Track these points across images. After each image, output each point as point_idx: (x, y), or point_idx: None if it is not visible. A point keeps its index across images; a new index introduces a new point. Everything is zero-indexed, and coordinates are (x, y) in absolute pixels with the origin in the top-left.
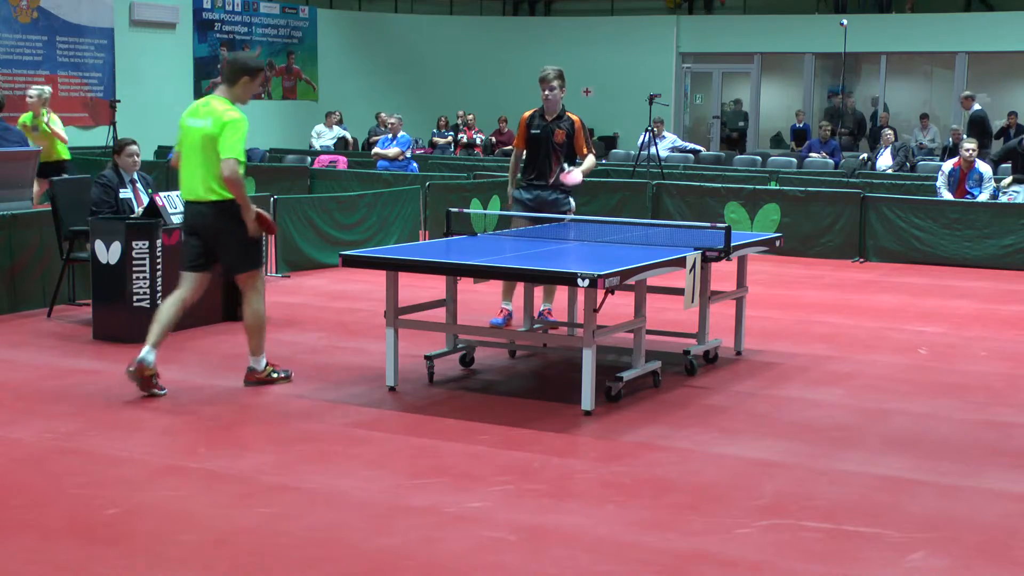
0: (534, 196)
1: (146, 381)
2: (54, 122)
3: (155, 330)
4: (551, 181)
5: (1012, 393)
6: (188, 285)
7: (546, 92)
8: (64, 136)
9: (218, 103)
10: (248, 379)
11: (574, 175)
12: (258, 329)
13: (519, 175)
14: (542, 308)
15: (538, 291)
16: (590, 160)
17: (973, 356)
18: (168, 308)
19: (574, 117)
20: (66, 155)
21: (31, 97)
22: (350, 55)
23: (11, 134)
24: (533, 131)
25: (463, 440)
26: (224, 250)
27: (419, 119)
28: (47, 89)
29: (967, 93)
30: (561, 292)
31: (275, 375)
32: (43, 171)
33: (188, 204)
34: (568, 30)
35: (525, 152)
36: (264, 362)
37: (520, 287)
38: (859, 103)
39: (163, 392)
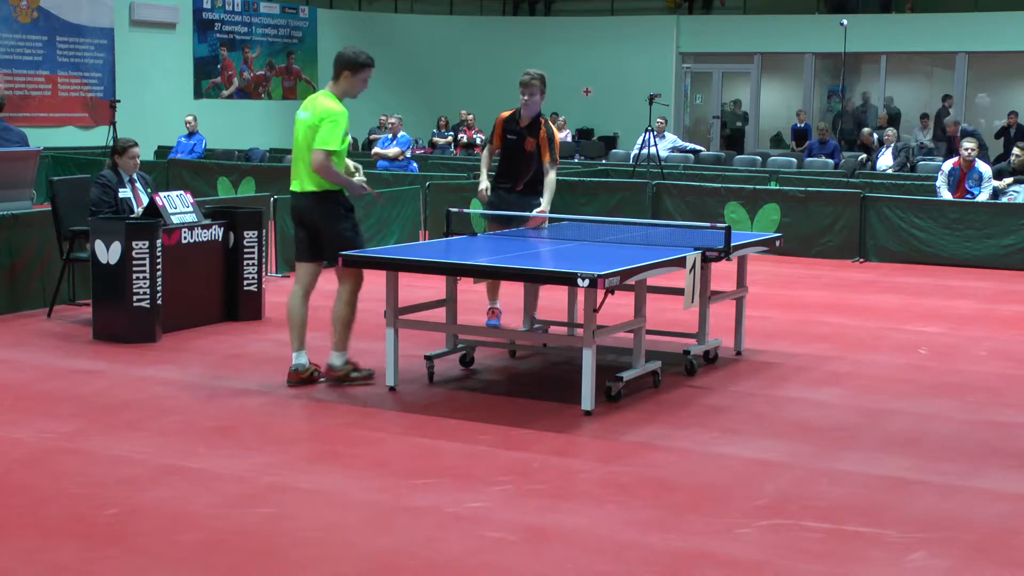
0: (499, 199)
1: (310, 379)
2: None
3: (295, 334)
4: (520, 187)
5: (1012, 393)
6: (304, 276)
7: (525, 97)
8: None
9: (323, 97)
10: (326, 375)
11: (539, 218)
12: (345, 323)
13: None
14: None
15: (519, 291)
16: (551, 179)
17: (973, 356)
18: (296, 307)
19: (550, 125)
20: None
21: None
22: None
23: (11, 134)
24: (509, 136)
25: (463, 440)
26: (326, 240)
27: (419, 119)
28: None
29: (952, 119)
30: (561, 292)
31: (355, 375)
32: None
33: (293, 195)
34: (568, 30)
35: (499, 153)
36: (345, 359)
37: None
38: (860, 102)
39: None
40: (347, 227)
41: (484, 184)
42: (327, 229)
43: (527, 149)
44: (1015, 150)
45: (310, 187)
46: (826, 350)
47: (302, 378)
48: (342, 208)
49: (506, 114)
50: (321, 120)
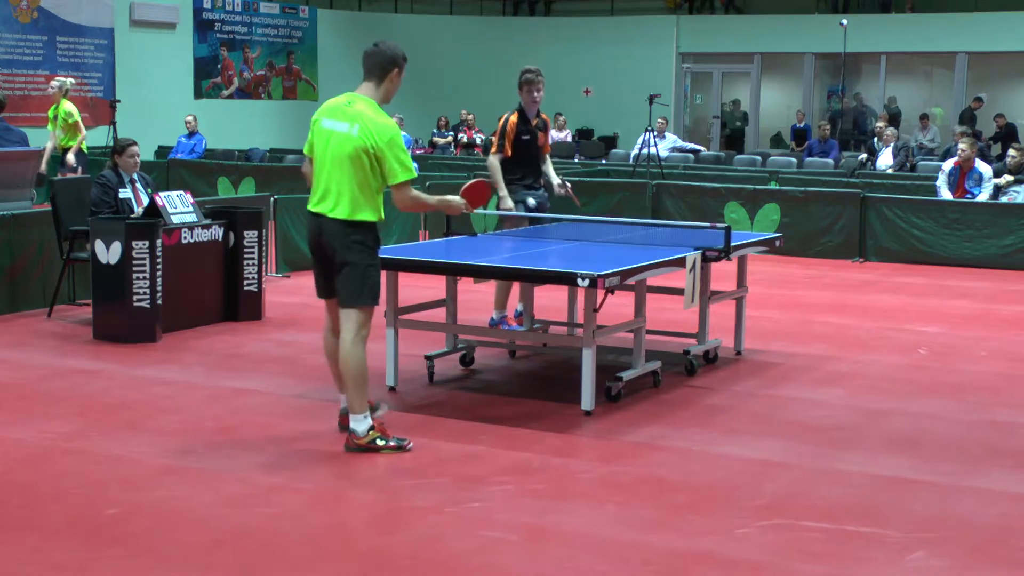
0: (539, 201)
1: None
2: (64, 112)
3: (336, 376)
4: (541, 182)
5: (1012, 393)
6: (330, 312)
7: (535, 95)
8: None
9: (369, 109)
10: (347, 443)
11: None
12: (357, 378)
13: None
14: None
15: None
16: (550, 163)
17: (973, 356)
18: (329, 350)
19: (544, 115)
20: (68, 143)
21: (52, 88)
22: (350, 55)
23: (11, 134)
24: (524, 137)
25: (463, 440)
26: (341, 272)
27: (419, 119)
28: (68, 81)
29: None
30: (561, 292)
31: (380, 442)
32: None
33: (314, 216)
34: (568, 30)
35: (511, 157)
36: (368, 424)
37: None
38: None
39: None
40: (368, 263)
41: (511, 201)
42: (346, 261)
43: (540, 143)
44: (1010, 151)
45: (342, 213)
46: (826, 350)
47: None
48: (371, 242)
49: (513, 117)
50: (385, 144)
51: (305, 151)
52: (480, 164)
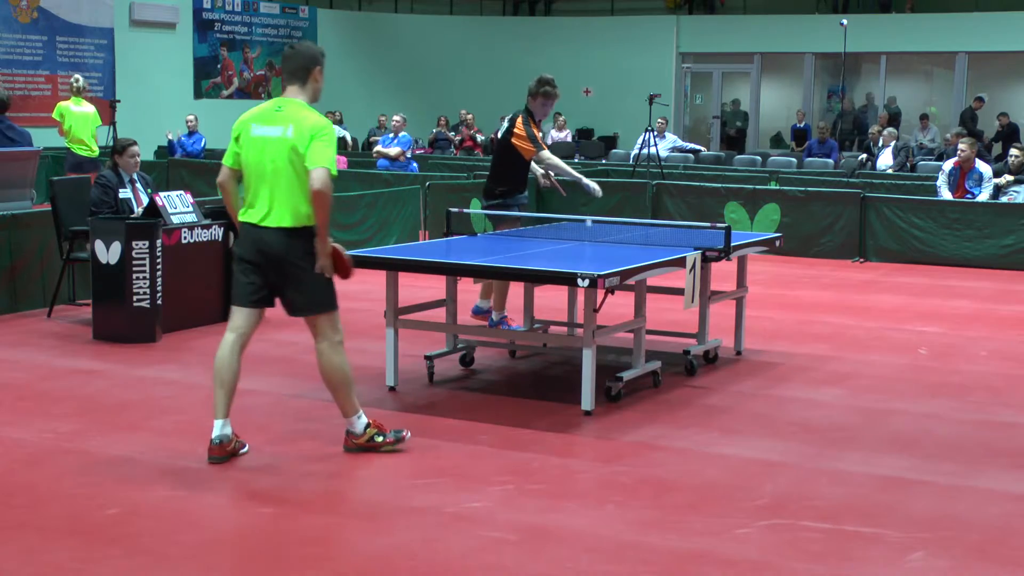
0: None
1: (234, 453)
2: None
3: (222, 395)
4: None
5: (1012, 393)
6: (243, 322)
7: (549, 107)
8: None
9: (300, 109)
10: (345, 443)
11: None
12: (342, 385)
13: (498, 183)
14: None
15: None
16: None
17: (973, 356)
18: (228, 360)
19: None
20: (77, 149)
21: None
22: (350, 55)
23: (14, 132)
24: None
25: (463, 440)
26: (294, 285)
27: (419, 119)
28: (80, 80)
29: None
30: (561, 292)
31: (379, 438)
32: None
33: (253, 228)
34: (568, 30)
35: (515, 162)
36: (365, 422)
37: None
38: (859, 103)
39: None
40: (331, 286)
41: (594, 184)
42: (298, 274)
43: None
44: (1012, 151)
45: (286, 222)
46: (826, 350)
47: (227, 452)
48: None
49: (532, 120)
50: (312, 137)
51: (227, 162)
52: (481, 164)
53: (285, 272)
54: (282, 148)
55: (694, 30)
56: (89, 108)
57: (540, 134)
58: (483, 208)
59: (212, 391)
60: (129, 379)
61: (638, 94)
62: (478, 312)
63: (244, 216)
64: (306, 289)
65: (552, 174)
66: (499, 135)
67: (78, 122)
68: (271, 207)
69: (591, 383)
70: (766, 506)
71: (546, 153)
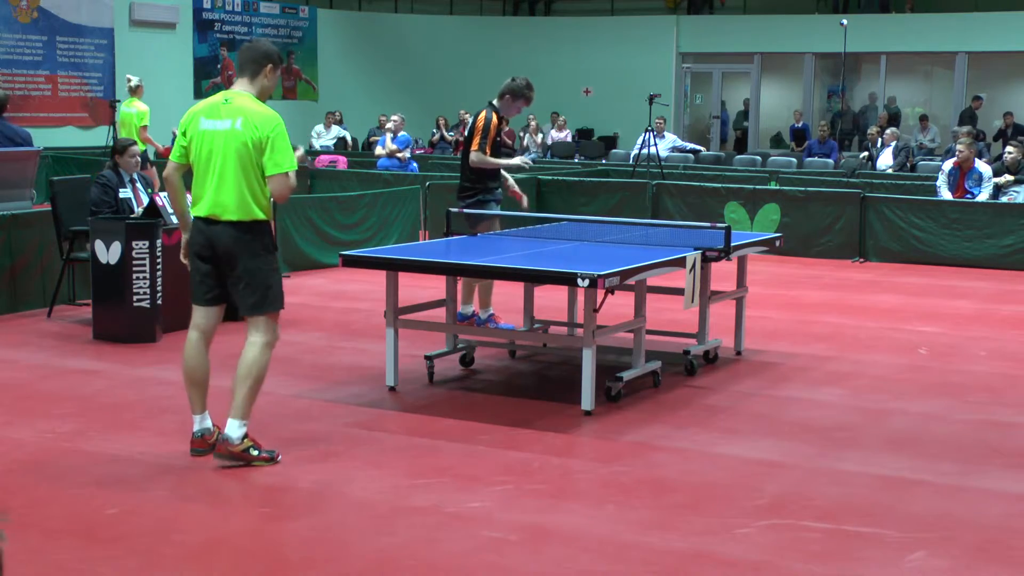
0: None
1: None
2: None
3: (197, 392)
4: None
5: (1012, 393)
6: (204, 320)
7: (522, 110)
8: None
9: (248, 101)
10: (219, 449)
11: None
12: (254, 383)
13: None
14: (477, 312)
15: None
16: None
17: (973, 356)
18: (196, 358)
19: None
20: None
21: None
22: (350, 55)
23: (11, 131)
24: (497, 139)
25: (463, 440)
26: (243, 281)
27: (419, 119)
28: (133, 80)
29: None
30: (561, 292)
31: (254, 451)
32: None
33: (206, 221)
34: (568, 30)
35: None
36: (244, 432)
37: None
38: (859, 103)
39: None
40: (271, 268)
41: (519, 159)
42: (248, 269)
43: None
44: (1008, 148)
45: (235, 215)
46: (826, 350)
47: (209, 444)
48: (270, 244)
49: (495, 119)
50: (269, 135)
51: (174, 157)
52: None
53: (235, 267)
54: (230, 141)
55: (694, 30)
56: (136, 107)
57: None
58: (462, 208)
59: (213, 389)
60: (129, 379)
61: (638, 94)
62: (462, 319)
63: (194, 211)
64: (250, 290)
65: (510, 183)
66: (467, 132)
67: (125, 121)
68: (219, 201)
69: (591, 383)
70: (766, 506)
71: (479, 156)
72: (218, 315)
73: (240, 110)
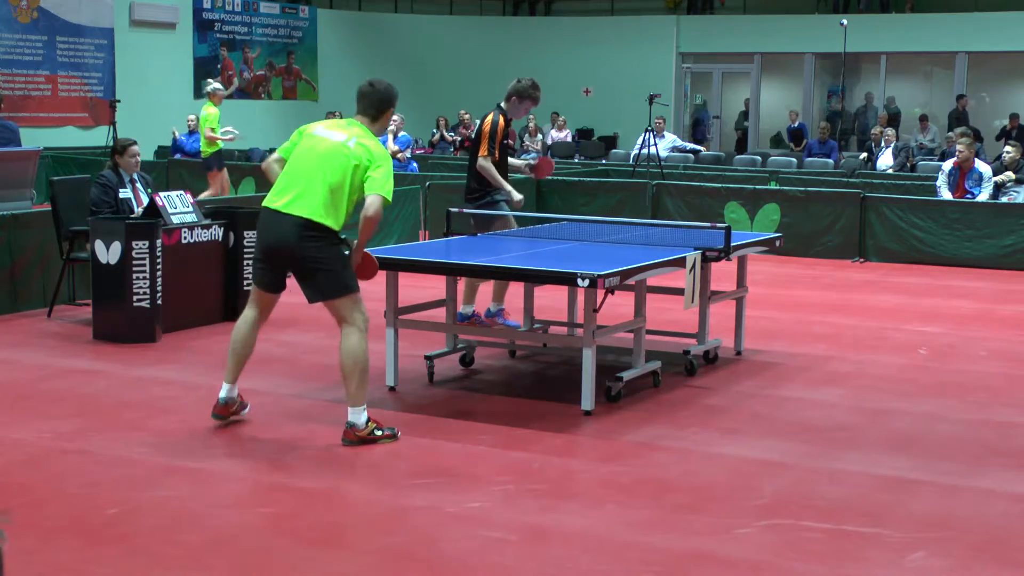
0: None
1: (236, 414)
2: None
3: (234, 363)
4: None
5: (1012, 393)
6: (263, 302)
7: (529, 111)
8: (211, 135)
9: (369, 139)
10: (345, 436)
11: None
12: (356, 372)
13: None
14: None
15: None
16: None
17: (973, 356)
18: (246, 334)
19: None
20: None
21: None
22: (350, 55)
23: (8, 132)
24: (505, 142)
25: (463, 440)
26: (308, 277)
27: (419, 119)
28: (211, 85)
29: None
30: (561, 292)
31: (378, 432)
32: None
33: (286, 217)
34: (568, 30)
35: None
36: (367, 416)
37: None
38: (859, 103)
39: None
40: (336, 256)
41: (517, 194)
42: (313, 262)
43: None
44: (1007, 148)
45: (306, 213)
46: (826, 350)
47: (230, 412)
48: (335, 238)
49: (501, 121)
50: (378, 164)
51: (280, 152)
52: None
53: (296, 264)
54: (338, 152)
55: (694, 30)
56: (206, 111)
57: (505, 143)
58: (471, 209)
59: (213, 389)
60: (129, 379)
61: (638, 94)
62: (462, 319)
63: (267, 202)
64: (325, 279)
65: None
66: (474, 133)
67: (200, 123)
68: (299, 197)
69: (591, 383)
70: (766, 506)
71: (484, 163)
72: (273, 300)
73: (359, 134)
